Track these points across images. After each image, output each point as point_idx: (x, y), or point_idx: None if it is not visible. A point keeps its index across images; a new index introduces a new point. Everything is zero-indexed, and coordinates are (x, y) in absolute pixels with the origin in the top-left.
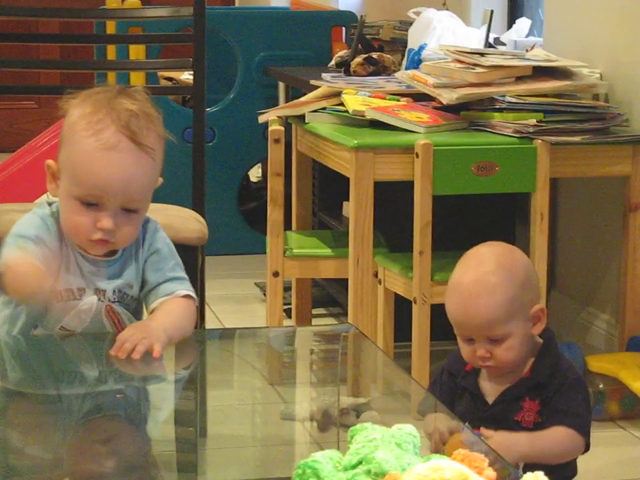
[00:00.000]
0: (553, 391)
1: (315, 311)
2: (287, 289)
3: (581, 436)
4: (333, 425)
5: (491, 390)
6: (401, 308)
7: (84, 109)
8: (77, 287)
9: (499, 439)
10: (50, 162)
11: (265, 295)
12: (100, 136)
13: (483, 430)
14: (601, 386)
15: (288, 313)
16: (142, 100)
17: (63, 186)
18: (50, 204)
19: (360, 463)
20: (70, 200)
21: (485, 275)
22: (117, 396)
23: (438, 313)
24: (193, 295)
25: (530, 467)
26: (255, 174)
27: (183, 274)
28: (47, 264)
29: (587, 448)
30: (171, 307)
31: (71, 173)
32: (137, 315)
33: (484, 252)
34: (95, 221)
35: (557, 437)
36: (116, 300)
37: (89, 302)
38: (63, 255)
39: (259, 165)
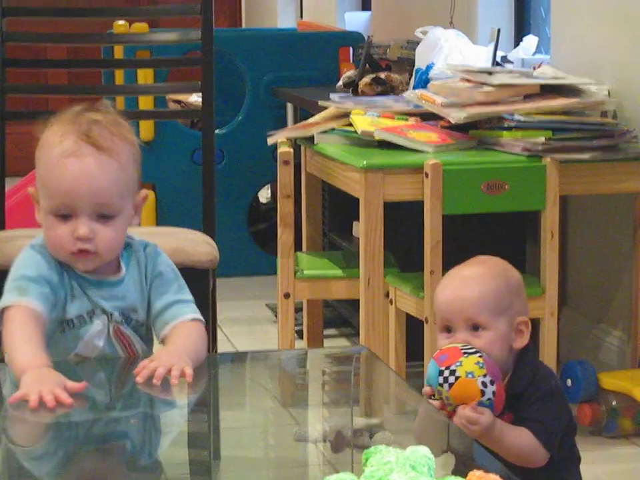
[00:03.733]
0: (524, 402)
1: (326, 332)
2: (298, 309)
3: (543, 447)
4: (346, 446)
5: None
6: (413, 328)
7: (51, 128)
8: (87, 311)
9: (486, 420)
10: (31, 189)
11: (276, 316)
12: (60, 146)
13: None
14: (614, 403)
15: (299, 334)
16: (107, 112)
17: (42, 205)
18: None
19: None
20: (46, 217)
21: (481, 270)
22: (132, 421)
23: None
24: (200, 317)
25: None
26: (264, 195)
27: (188, 295)
28: (49, 303)
29: (572, 453)
30: (185, 333)
31: (42, 189)
32: (146, 341)
33: (483, 258)
34: (72, 232)
35: (522, 439)
36: (123, 322)
37: (101, 322)
38: (66, 284)
39: (268, 186)
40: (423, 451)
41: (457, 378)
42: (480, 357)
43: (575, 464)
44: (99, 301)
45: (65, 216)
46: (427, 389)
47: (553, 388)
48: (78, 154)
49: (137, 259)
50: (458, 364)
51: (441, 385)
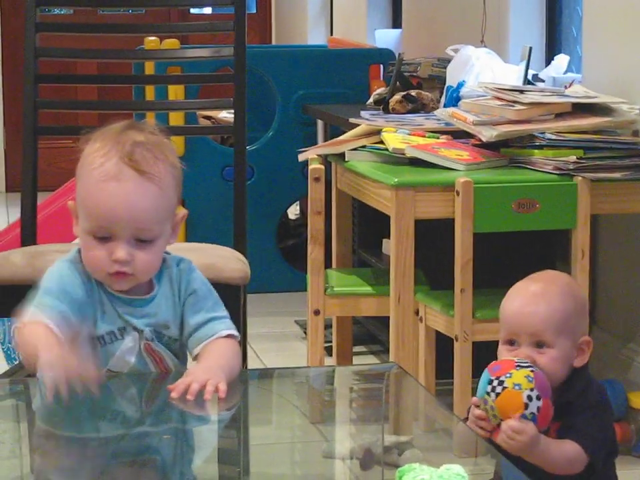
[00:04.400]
0: (574, 409)
1: (355, 349)
2: (327, 326)
3: (585, 454)
4: (374, 463)
5: None
6: (443, 345)
7: (94, 145)
8: (118, 328)
9: (529, 435)
10: (70, 203)
11: (305, 332)
12: (102, 168)
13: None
14: None
15: (329, 350)
16: (151, 131)
17: (81, 224)
18: (79, 250)
19: None
20: (85, 236)
21: (549, 286)
22: (164, 436)
23: (479, 350)
24: (235, 333)
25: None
26: (292, 211)
27: (223, 312)
28: (66, 321)
29: (597, 472)
30: (220, 349)
31: (81, 208)
32: (179, 356)
33: (551, 273)
34: (110, 254)
35: (565, 450)
36: (154, 339)
37: (132, 339)
38: (96, 300)
39: (297, 202)
40: (457, 469)
41: (503, 388)
42: (532, 371)
43: None
44: (129, 318)
45: (103, 238)
46: (474, 398)
47: (602, 401)
48: (119, 178)
49: (170, 275)
50: (508, 375)
51: (488, 393)
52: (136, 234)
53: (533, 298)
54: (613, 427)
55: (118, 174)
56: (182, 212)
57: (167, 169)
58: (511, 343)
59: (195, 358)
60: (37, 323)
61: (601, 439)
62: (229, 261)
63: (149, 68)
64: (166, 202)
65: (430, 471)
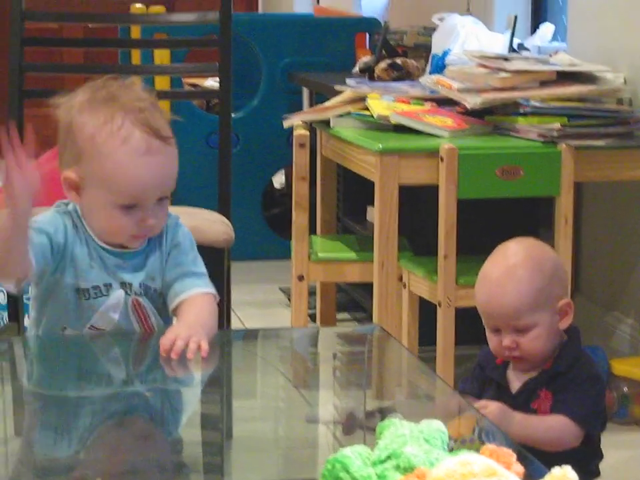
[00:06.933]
0: (567, 381)
1: (339, 316)
2: (311, 293)
3: (577, 426)
4: (357, 428)
5: (515, 381)
6: (426, 312)
7: (96, 118)
8: (104, 283)
9: (494, 409)
10: (69, 175)
11: (289, 299)
12: (130, 143)
13: (480, 401)
14: (625, 389)
15: (312, 317)
16: (141, 90)
17: (95, 196)
18: (67, 204)
19: (389, 457)
20: (108, 208)
21: (513, 267)
22: (146, 393)
23: (463, 316)
24: (214, 291)
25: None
26: (278, 180)
27: (202, 269)
28: (41, 255)
29: (595, 450)
30: (199, 306)
31: (106, 184)
32: (161, 312)
33: (513, 246)
34: (139, 221)
35: (550, 424)
36: (142, 293)
37: (117, 296)
38: (85, 252)
39: (282, 171)
40: (437, 424)
41: None
42: None
43: (597, 458)
44: (118, 272)
45: (129, 206)
46: None
47: (596, 374)
48: (150, 151)
49: None
50: None
51: None
52: (160, 195)
53: (498, 287)
54: (604, 402)
55: (149, 147)
56: None
57: (169, 126)
58: (495, 329)
59: (173, 311)
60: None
61: (597, 412)
62: (213, 224)
63: (135, 34)
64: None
65: (410, 426)
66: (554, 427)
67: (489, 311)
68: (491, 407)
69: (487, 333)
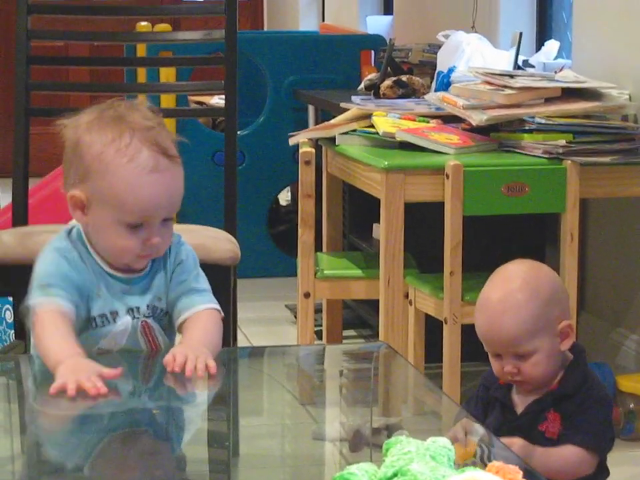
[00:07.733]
0: (576, 405)
1: (345, 333)
2: (317, 310)
3: (592, 455)
4: (364, 445)
5: (520, 401)
6: (432, 328)
7: (104, 136)
8: (110, 311)
9: (518, 448)
10: (75, 194)
11: (295, 317)
12: (138, 161)
13: (504, 438)
14: (631, 405)
15: (319, 334)
16: (147, 110)
17: (101, 215)
18: (69, 232)
19: (395, 475)
20: (114, 227)
21: (510, 293)
22: (154, 410)
23: (469, 333)
24: (217, 306)
25: None
26: (283, 197)
27: (206, 285)
28: (73, 302)
29: (602, 468)
30: (203, 323)
31: (113, 202)
32: (167, 331)
33: (511, 269)
34: (144, 240)
35: (566, 456)
36: (150, 315)
37: (124, 323)
38: (92, 281)
39: (288, 188)
40: (443, 441)
41: None
42: None
43: (604, 476)
44: (125, 297)
45: (136, 225)
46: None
47: (605, 396)
48: (158, 169)
49: None
50: None
51: None
52: (165, 215)
53: (496, 316)
54: (612, 420)
55: (157, 165)
56: None
57: (175, 144)
58: (496, 355)
59: (178, 329)
60: (52, 306)
61: (608, 435)
62: (219, 242)
63: (141, 52)
64: (183, 177)
65: (416, 444)
66: (570, 459)
67: (489, 339)
68: (515, 447)
69: (489, 357)
